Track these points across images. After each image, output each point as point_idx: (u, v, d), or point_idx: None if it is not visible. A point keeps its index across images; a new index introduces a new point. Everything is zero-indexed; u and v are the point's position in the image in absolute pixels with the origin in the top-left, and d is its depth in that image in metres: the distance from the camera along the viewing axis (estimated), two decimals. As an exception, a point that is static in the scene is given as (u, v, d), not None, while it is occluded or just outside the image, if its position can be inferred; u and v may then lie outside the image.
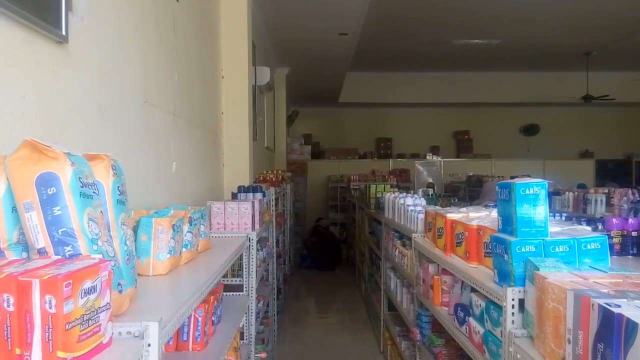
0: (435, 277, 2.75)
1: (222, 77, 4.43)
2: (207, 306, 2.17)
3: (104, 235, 1.26)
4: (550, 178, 10.48)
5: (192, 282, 1.86)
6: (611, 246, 2.42)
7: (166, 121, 2.86)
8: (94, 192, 1.25)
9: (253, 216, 3.13)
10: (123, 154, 2.15)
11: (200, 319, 2.13)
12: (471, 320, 2.11)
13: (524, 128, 13.14)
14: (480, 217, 2.48)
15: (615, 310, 1.12)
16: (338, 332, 5.95)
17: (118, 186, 1.40)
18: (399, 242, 4.03)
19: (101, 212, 1.29)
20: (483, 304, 2.00)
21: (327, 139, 12.92)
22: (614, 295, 1.28)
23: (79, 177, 1.19)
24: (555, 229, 1.97)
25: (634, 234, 2.37)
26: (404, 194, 4.37)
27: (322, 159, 12.32)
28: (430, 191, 6.25)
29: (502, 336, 1.76)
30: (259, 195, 3.56)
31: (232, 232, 3.06)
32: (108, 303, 1.08)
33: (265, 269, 4.45)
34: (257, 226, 3.21)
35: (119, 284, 1.30)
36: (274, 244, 4.89)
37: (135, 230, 1.81)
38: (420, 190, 6.13)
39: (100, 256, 1.18)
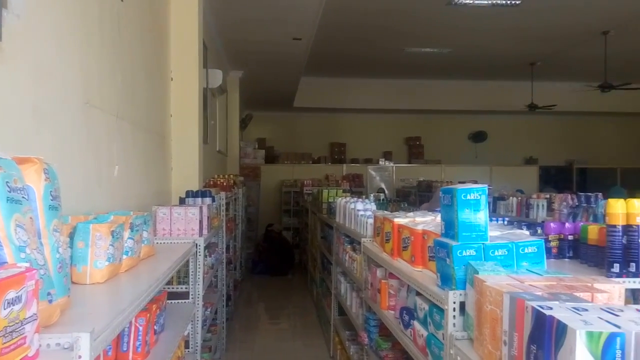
0: (382, 281, 2.78)
1: (171, 79, 4.33)
2: (148, 315, 2.11)
3: (33, 242, 1.20)
4: (497, 183, 10.86)
5: (131, 290, 1.80)
6: (549, 249, 2.51)
7: (109, 123, 2.77)
8: (23, 197, 1.19)
9: (201, 222, 3.07)
10: (60, 157, 2.07)
11: (141, 328, 2.06)
12: (415, 323, 2.14)
13: (473, 135, 13.56)
14: (426, 221, 2.52)
15: (547, 312, 1.15)
16: (288, 337, 5.92)
17: (50, 191, 1.34)
18: (349, 246, 4.06)
19: (31, 218, 1.23)
20: (427, 308, 2.03)
21: (281, 143, 12.89)
22: (547, 297, 1.32)
23: (7, 182, 1.13)
24: (496, 233, 2.03)
25: (570, 237, 2.47)
26: (355, 198, 4.41)
27: (276, 163, 12.28)
28: (382, 196, 6.34)
29: (443, 339, 1.79)
30: (207, 200, 3.50)
31: (179, 238, 2.99)
32: (35, 314, 1.03)
33: (214, 275, 4.38)
34: (205, 232, 3.15)
35: (48, 294, 1.23)
36: (224, 250, 4.82)
37: (71, 236, 1.74)
38: (371, 195, 6.20)
39: (28, 264, 1.12)
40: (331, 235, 5.04)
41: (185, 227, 3.02)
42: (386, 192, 10.78)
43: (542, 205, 4.96)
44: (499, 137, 13.42)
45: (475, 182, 7.43)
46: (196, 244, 3.01)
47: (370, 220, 3.34)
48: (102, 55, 2.66)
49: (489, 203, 5.95)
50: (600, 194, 5.03)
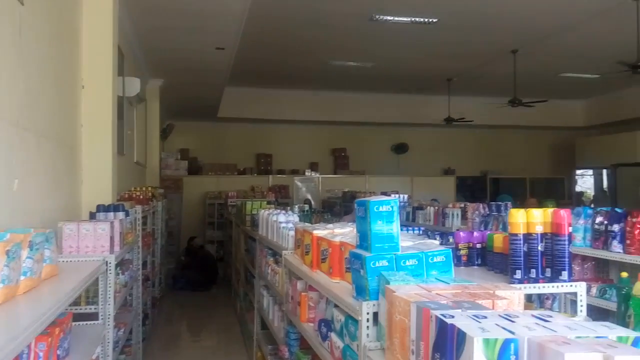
0: (302, 293, 2.76)
1: (82, 87, 4.11)
2: (50, 339, 1.96)
3: None
4: (417, 193, 11.28)
5: (29, 313, 1.68)
6: (459, 257, 2.62)
7: (9, 134, 2.57)
8: None
9: (112, 238, 2.91)
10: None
11: (41, 353, 1.92)
12: (332, 335, 2.15)
13: (395, 146, 14.00)
14: (345, 233, 2.54)
15: (449, 320, 1.18)
16: (210, 354, 5.76)
17: None
18: (271, 259, 4.02)
19: None
20: (343, 319, 2.04)
21: (205, 154, 12.61)
22: (452, 306, 1.36)
23: None
24: (408, 243, 2.09)
25: (479, 245, 2.60)
26: (278, 210, 4.39)
27: (199, 174, 11.97)
28: (307, 207, 6.36)
29: (358, 350, 1.81)
30: (120, 215, 3.33)
31: (87, 255, 2.82)
32: None
33: (129, 293, 4.17)
34: (116, 248, 2.99)
35: None
36: (140, 266, 4.60)
37: (-42, 257, 1.59)
38: (296, 206, 6.21)
39: None
40: (254, 248, 4.97)
41: (95, 244, 2.85)
42: (312, 202, 10.86)
43: (457, 214, 5.19)
44: (420, 149, 13.95)
45: (397, 192, 7.68)
46: (106, 262, 2.85)
47: (292, 233, 3.33)
48: (1, 60, 2.47)
49: (408, 213, 6.15)
50: (510, 203, 5.36)
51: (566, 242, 2.05)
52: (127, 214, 3.60)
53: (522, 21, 7.75)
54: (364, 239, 1.98)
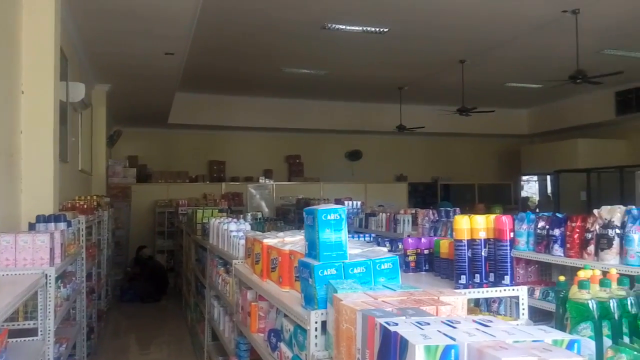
0: (252, 303, 2.73)
1: (22, 92, 3.92)
2: (-20, 359, 1.85)
3: None
4: (371, 199, 11.40)
5: (-45, 333, 1.56)
6: (407, 263, 2.66)
7: (-64, 140, 2.41)
8: None
9: (52, 249, 2.78)
10: None
11: (-30, 375, 1.80)
12: (282, 345, 2.12)
13: (349, 153, 14.13)
14: (295, 241, 2.53)
15: (392, 328, 1.18)
16: (160, 368, 5.59)
17: None
18: (222, 269, 3.95)
19: None
20: (292, 329, 2.02)
21: (155, 161, 12.27)
22: (396, 313, 1.37)
23: None
24: (356, 250, 2.10)
25: (426, 251, 2.64)
26: (229, 219, 4.32)
27: (149, 182, 11.61)
28: (259, 215, 6.30)
29: (306, 359, 1.79)
30: (61, 226, 3.19)
31: (25, 269, 2.68)
32: None
33: (72, 307, 3.99)
34: (57, 260, 2.86)
35: None
36: (84, 279, 4.42)
37: None
38: (249, 214, 6.14)
39: None
40: (205, 257, 4.88)
41: (33, 257, 2.72)
42: (266, 210, 10.79)
43: (408, 220, 5.27)
44: (373, 156, 14.13)
45: (350, 199, 7.73)
46: (46, 275, 2.72)
47: (242, 242, 3.29)
48: None
49: (361, 219, 6.18)
50: (458, 209, 5.50)
51: (508, 248, 2.12)
52: (69, 225, 3.45)
53: (470, 33, 8.01)
54: (312, 247, 1.97)
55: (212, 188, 11.63)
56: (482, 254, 2.15)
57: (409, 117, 12.07)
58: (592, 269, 1.63)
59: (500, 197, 14.31)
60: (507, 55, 9.16)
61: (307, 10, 6.97)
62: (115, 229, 8.56)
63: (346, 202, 6.85)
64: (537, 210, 13.43)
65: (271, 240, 2.61)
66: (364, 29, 7.69)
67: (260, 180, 11.98)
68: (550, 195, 13.28)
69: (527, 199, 13.94)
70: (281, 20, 7.32)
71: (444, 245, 2.45)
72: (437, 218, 5.02)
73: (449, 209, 5.30)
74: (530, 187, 15.03)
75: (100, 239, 6.07)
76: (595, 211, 3.26)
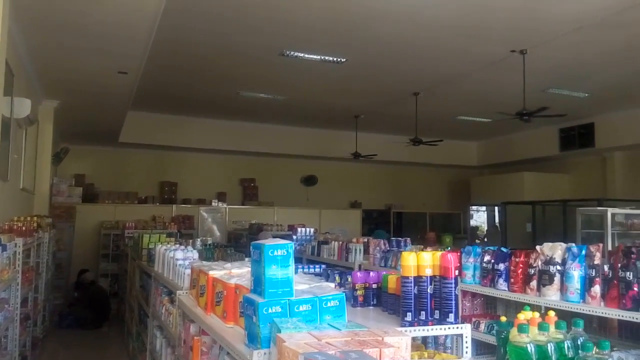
0: (195, 337, 2.62)
1: (-41, 107, 3.71)
2: None
3: None
4: (325, 225, 11.42)
5: None
6: (356, 298, 2.64)
7: None
8: None
9: (-21, 277, 2.60)
10: None
11: None
12: (223, 384, 2.04)
13: (304, 179, 14.15)
14: (242, 274, 2.47)
15: (333, 374, 1.16)
16: (98, 400, 5.28)
17: None
18: (166, 298, 3.80)
19: None
20: (234, 367, 1.95)
21: (103, 180, 11.84)
22: (339, 357, 1.35)
23: None
24: (303, 286, 2.06)
25: (375, 286, 2.63)
26: (176, 246, 4.19)
27: (95, 202, 11.17)
28: (209, 241, 6.15)
29: (247, 402, 1.72)
30: (-7, 251, 3.00)
31: (-53, 298, 2.48)
32: None
33: (4, 335, 3.74)
34: (-15, 289, 2.67)
35: None
36: (18, 305, 4.16)
37: None
38: (198, 239, 5.99)
39: None
40: (150, 284, 4.69)
41: (-42, 285, 2.53)
42: (218, 234, 10.58)
43: (360, 249, 5.28)
44: (328, 182, 14.20)
45: (304, 225, 7.69)
46: (-29, 305, 2.53)
47: (188, 271, 3.18)
48: None
49: (314, 247, 6.13)
50: (409, 239, 5.56)
51: (453, 285, 2.13)
52: (4, 249, 3.25)
53: (423, 66, 8.26)
54: (258, 283, 1.92)
55: (162, 210, 11.30)
56: (428, 291, 2.16)
57: (365, 145, 12.25)
58: (532, 312, 1.66)
59: (450, 226, 14.66)
60: (458, 89, 9.49)
61: (265, 37, 7.00)
62: (56, 250, 8.15)
63: (299, 229, 6.81)
64: (486, 239, 13.80)
65: (217, 272, 2.53)
66: (322, 58, 7.80)
67: (213, 203, 11.74)
68: (497, 225, 13.69)
69: (476, 228, 14.30)
70: (240, 45, 7.33)
71: (392, 281, 2.45)
72: (388, 248, 5.06)
73: (400, 239, 5.36)
74: (479, 216, 15.46)
75: (39, 262, 5.76)
76: (537, 247, 3.36)
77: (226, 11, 6.19)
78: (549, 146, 12.57)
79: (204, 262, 3.37)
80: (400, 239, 5.36)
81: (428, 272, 2.17)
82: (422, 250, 4.62)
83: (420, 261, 2.18)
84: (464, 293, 3.83)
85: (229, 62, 8.10)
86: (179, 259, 3.56)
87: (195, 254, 3.80)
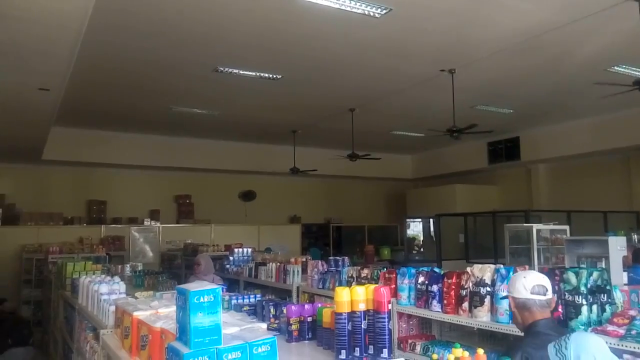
0: (120, 382, 2.45)
1: None
2: None
3: None
4: (264, 241, 11.26)
5: None
6: (290, 332, 2.58)
7: None
8: None
9: None
10: None
11: None
12: None
13: (243, 194, 13.93)
14: (170, 314, 2.33)
15: None
16: None
17: None
18: (91, 334, 3.55)
19: None
20: (158, 422, 1.82)
21: (25, 201, 11.06)
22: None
23: None
24: (234, 329, 1.97)
25: (309, 319, 2.58)
26: (102, 277, 3.94)
27: (16, 224, 10.41)
28: (140, 266, 5.86)
29: None
30: None
31: None
32: None
33: None
34: None
35: None
36: None
37: None
38: (128, 266, 5.70)
39: None
40: (74, 317, 4.39)
41: None
42: (150, 255, 10.15)
43: (298, 271, 5.22)
44: (267, 197, 14.06)
45: (241, 245, 7.53)
46: None
47: (113, 308, 2.99)
48: None
49: (251, 269, 5.98)
50: (347, 258, 5.54)
51: (386, 320, 2.12)
52: None
53: (358, 83, 8.39)
54: (183, 331, 1.81)
55: (89, 231, 10.60)
56: (362, 326, 2.14)
57: (303, 160, 12.25)
58: (462, 350, 1.67)
59: (388, 238, 14.91)
60: (392, 105, 9.71)
61: (198, 53, 6.85)
62: (-31, 280, 7.51)
63: (236, 249, 6.66)
64: (422, 249, 14.13)
65: (142, 313, 2.38)
66: (258, 74, 7.74)
67: (146, 222, 11.21)
68: (432, 236, 14.06)
69: (412, 239, 14.62)
70: (171, 60, 7.12)
71: (327, 315, 2.41)
72: (326, 269, 5.03)
73: (338, 258, 5.33)
74: (415, 226, 15.83)
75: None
76: (468, 269, 3.44)
77: (156, 27, 5.99)
78: (478, 159, 13.11)
79: (130, 298, 3.18)
80: (338, 258, 5.32)
81: (362, 307, 2.15)
82: (361, 269, 4.64)
83: (354, 296, 2.15)
84: (400, 314, 3.85)
85: (160, 77, 7.86)
86: (103, 293, 3.34)
87: (122, 286, 3.58)
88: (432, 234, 13.93)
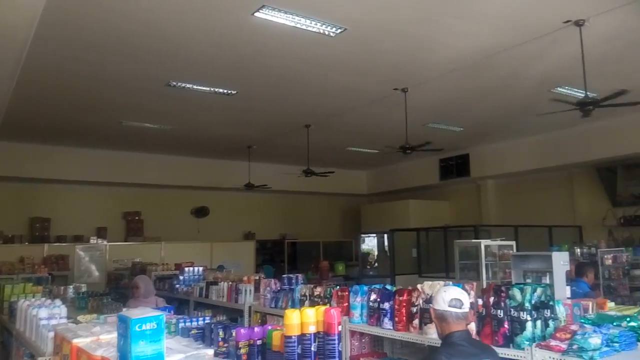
0: (56, 415, 2.31)
1: None
2: None
3: None
4: (217, 259, 11.05)
5: None
6: (239, 357, 2.50)
7: None
8: None
9: None
10: None
11: None
12: None
13: (195, 210, 13.65)
14: (111, 340, 2.23)
15: None
16: None
17: None
18: (28, 361, 3.37)
19: None
20: None
21: (-38, 218, 10.48)
22: None
23: None
24: (178, 356, 1.91)
25: (259, 342, 2.51)
26: (42, 300, 3.75)
27: (-49, 244, 9.82)
28: (83, 288, 5.59)
29: None
30: None
31: None
32: None
33: None
34: None
35: None
36: None
37: None
38: (71, 287, 5.44)
39: None
40: (11, 342, 4.15)
41: None
42: (96, 274, 9.76)
43: (250, 290, 5.14)
44: (221, 213, 13.84)
45: (192, 263, 7.35)
46: None
47: (52, 334, 2.84)
48: None
49: (202, 288, 5.84)
50: (301, 275, 5.50)
51: (336, 342, 2.10)
52: None
53: (314, 100, 8.43)
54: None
55: (31, 250, 10.02)
56: (312, 349, 2.11)
57: (258, 175, 12.17)
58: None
59: (343, 253, 14.95)
60: (347, 122, 9.81)
61: (150, 67, 6.71)
62: None
63: (186, 269, 6.49)
64: (376, 264, 14.23)
65: (82, 340, 2.26)
66: (212, 89, 7.66)
67: (92, 240, 10.73)
68: (387, 250, 14.20)
69: (367, 254, 14.71)
70: (121, 74, 6.94)
71: (276, 338, 2.35)
72: (279, 287, 4.97)
73: (291, 276, 5.28)
74: (370, 241, 15.94)
75: None
76: (419, 286, 3.47)
77: (106, 40, 5.83)
78: (431, 175, 13.41)
79: (70, 324, 3.03)
80: (292, 276, 5.28)
81: (312, 329, 2.13)
82: (314, 287, 4.61)
83: (304, 318, 2.12)
84: (352, 333, 3.84)
85: (110, 91, 7.65)
86: (42, 318, 3.18)
87: (63, 310, 3.42)
88: (386, 249, 14.09)
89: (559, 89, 7.70)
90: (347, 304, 3.89)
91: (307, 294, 4.42)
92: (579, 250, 8.45)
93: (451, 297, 2.53)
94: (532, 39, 6.02)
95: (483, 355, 2.49)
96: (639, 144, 9.39)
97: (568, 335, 2.67)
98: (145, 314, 1.73)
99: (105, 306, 4.47)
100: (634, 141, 9.41)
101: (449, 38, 6.03)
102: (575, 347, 2.53)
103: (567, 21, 5.56)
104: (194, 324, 3.07)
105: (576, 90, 7.35)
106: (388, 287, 3.82)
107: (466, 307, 2.53)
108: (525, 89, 7.93)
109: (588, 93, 6.01)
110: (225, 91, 7.76)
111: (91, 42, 5.87)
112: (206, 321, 3.05)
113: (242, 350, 2.49)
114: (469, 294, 3.14)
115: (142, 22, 5.44)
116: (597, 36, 5.84)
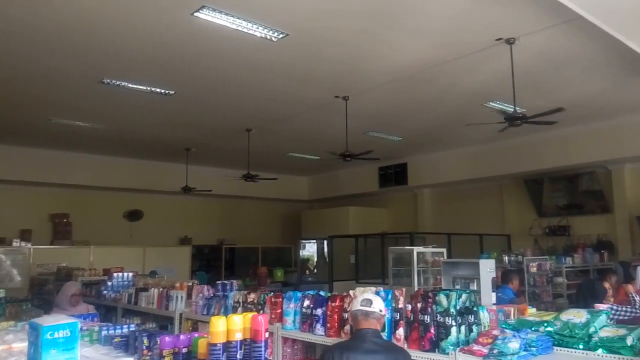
0: None
1: None
2: None
3: None
4: (150, 264, 10.68)
5: None
6: (164, 366, 2.42)
7: None
8: None
9: None
10: None
11: None
12: None
13: (128, 213, 13.16)
14: (25, 348, 2.10)
15: None
16: None
17: None
18: None
19: None
20: None
21: None
22: None
23: None
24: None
25: (185, 350, 2.44)
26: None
27: None
28: (2, 293, 5.22)
29: None
30: None
31: None
32: None
33: None
34: None
35: None
36: None
37: None
38: (-13, 292, 5.07)
39: None
40: None
41: None
42: (18, 279, 9.19)
43: (182, 297, 4.98)
44: (156, 217, 13.41)
45: (122, 268, 7.05)
46: None
47: (-43, 344, 2.62)
48: None
49: (131, 295, 5.61)
50: (236, 282, 5.41)
51: (263, 349, 2.07)
52: None
53: (255, 105, 8.37)
54: (32, 371, 1.63)
55: (-54, 253, 9.38)
56: (238, 356, 2.07)
57: (196, 179, 11.91)
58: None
59: (282, 259, 14.87)
60: (289, 128, 9.81)
61: (81, 63, 6.42)
62: None
63: (115, 274, 6.22)
64: (315, 270, 14.27)
65: (-9, 349, 2.12)
66: (149, 89, 7.43)
67: (15, 243, 10.05)
68: (326, 256, 14.28)
69: (306, 260, 14.73)
70: (50, 69, 6.60)
71: (202, 346, 2.29)
72: (212, 294, 4.85)
73: (226, 282, 5.18)
74: (310, 247, 15.98)
75: None
76: (351, 292, 3.50)
77: (33, 34, 5.52)
78: (370, 183, 13.64)
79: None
80: (226, 282, 5.18)
81: (238, 336, 2.09)
82: (248, 294, 4.54)
83: (230, 325, 2.08)
84: (285, 339, 3.82)
85: (38, 86, 7.25)
86: (-52, 326, 2.93)
87: (-27, 318, 3.18)
88: (326, 255, 14.18)
89: (491, 103, 8.06)
90: (280, 310, 3.86)
91: (240, 300, 4.35)
92: (507, 257, 8.84)
93: (363, 298, 2.72)
94: (466, 55, 6.27)
95: (384, 354, 2.57)
96: (564, 159, 10.01)
97: (490, 340, 2.78)
98: (58, 321, 1.64)
99: (24, 312, 4.20)
100: (559, 156, 10.02)
101: (387, 50, 6.17)
102: (495, 351, 2.63)
103: (499, 39, 5.84)
104: (118, 331, 2.94)
105: (506, 105, 7.72)
106: (322, 293, 3.82)
107: (376, 307, 2.71)
108: (459, 102, 8.24)
109: (517, 108, 6.33)
110: (163, 91, 7.55)
111: (18, 34, 5.55)
112: (131, 329, 2.93)
113: (167, 359, 2.41)
114: (398, 300, 3.22)
115: (74, 16, 5.20)
116: (527, 54, 6.17)
